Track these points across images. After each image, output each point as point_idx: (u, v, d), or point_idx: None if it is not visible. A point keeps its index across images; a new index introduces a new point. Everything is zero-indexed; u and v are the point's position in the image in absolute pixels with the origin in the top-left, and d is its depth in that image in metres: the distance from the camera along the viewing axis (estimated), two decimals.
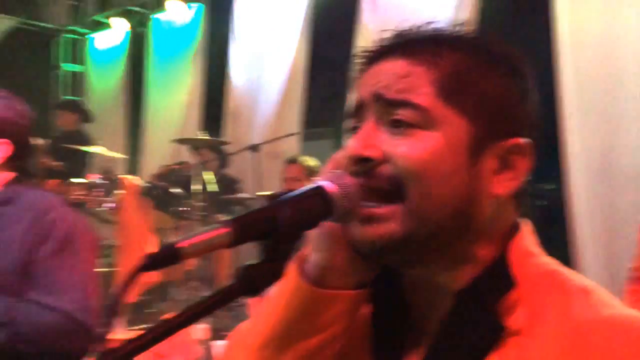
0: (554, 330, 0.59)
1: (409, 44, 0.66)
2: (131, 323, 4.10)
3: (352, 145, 0.64)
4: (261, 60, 5.75)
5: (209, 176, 4.63)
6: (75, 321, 1.44)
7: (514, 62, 0.67)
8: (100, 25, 7.78)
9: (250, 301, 3.36)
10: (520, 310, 0.61)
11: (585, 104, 3.67)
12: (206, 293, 4.50)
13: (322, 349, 0.65)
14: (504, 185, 0.64)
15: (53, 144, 5.82)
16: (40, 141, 5.16)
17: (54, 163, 5.43)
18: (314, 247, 0.66)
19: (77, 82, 8.21)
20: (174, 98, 6.65)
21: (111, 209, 4.25)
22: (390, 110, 0.63)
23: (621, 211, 3.49)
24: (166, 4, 6.40)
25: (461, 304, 0.63)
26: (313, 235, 0.66)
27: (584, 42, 3.71)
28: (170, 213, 4.48)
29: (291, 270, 0.65)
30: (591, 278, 0.66)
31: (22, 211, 1.50)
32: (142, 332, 0.51)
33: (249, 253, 0.58)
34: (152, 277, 4.01)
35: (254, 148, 4.65)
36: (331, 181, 0.63)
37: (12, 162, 1.57)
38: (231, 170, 5.38)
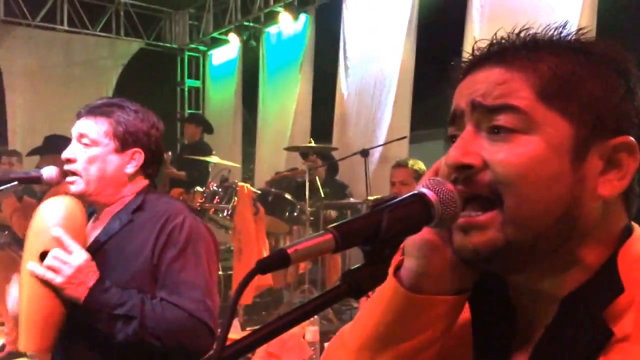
0: None
1: (505, 52, 0.66)
2: (245, 325, 4.30)
3: (451, 153, 0.65)
4: (368, 65, 5.80)
5: (319, 182, 4.73)
6: (196, 319, 1.52)
7: (618, 61, 0.65)
8: (217, 42, 8.27)
9: (361, 305, 3.39)
10: (629, 316, 0.59)
11: None
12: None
13: (418, 352, 0.66)
14: (610, 185, 0.62)
15: (179, 155, 6.28)
16: (166, 152, 5.60)
17: (179, 172, 5.85)
18: (408, 253, 0.68)
19: (197, 96, 8.77)
20: (284, 107, 6.89)
21: (228, 215, 4.48)
22: (490, 117, 0.63)
23: None
24: (280, 17, 6.66)
25: (567, 310, 0.62)
26: (408, 242, 0.67)
27: None
28: (282, 218, 4.63)
29: (389, 275, 0.67)
30: None
31: (151, 217, 1.61)
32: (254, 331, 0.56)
33: (360, 257, 0.61)
34: (266, 280, 4.18)
35: (364, 153, 4.69)
36: (431, 188, 0.64)
37: (145, 170, 1.69)
38: (341, 176, 5.47)
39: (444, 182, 0.65)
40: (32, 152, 4.63)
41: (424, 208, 0.63)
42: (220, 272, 4.52)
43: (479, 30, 4.61)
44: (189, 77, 8.73)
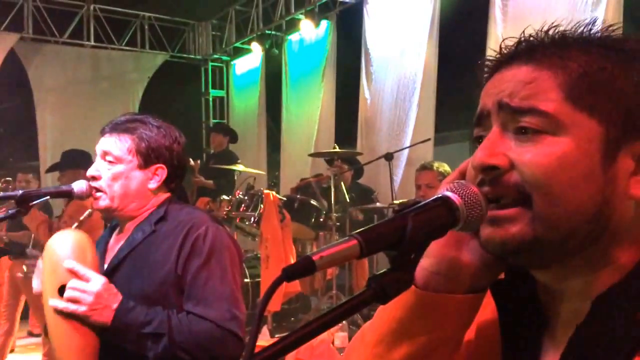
0: None
1: (533, 50, 0.64)
2: (274, 332, 4.31)
3: (478, 154, 0.64)
4: (391, 69, 5.79)
5: (344, 187, 4.73)
6: (224, 330, 1.53)
7: None
8: (240, 52, 8.36)
9: None
10: None
11: None
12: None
13: (434, 348, 0.66)
14: None
15: (206, 164, 6.36)
16: (192, 162, 5.67)
17: (207, 181, 5.93)
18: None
19: (221, 105, 8.87)
20: (308, 113, 6.92)
21: (255, 222, 4.51)
22: (516, 118, 0.62)
23: None
24: (300, 24, 6.70)
25: (600, 309, 0.61)
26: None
27: None
28: (309, 224, 4.64)
29: None
30: None
31: (174, 228, 1.62)
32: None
33: (387, 263, 0.61)
34: (294, 287, 4.18)
35: (388, 157, 4.68)
36: (456, 191, 0.64)
37: (167, 185, 1.71)
38: (366, 180, 5.46)
39: (468, 185, 0.64)
40: (51, 169, 4.74)
41: (449, 212, 0.62)
42: (247, 280, 4.55)
43: (502, 30, 4.56)
44: (213, 87, 8.83)
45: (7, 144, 7.44)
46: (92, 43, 7.69)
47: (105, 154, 1.65)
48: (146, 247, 1.62)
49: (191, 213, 1.69)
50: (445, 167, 3.78)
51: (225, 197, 4.80)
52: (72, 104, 7.52)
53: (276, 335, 3.99)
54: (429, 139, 5.03)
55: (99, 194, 1.64)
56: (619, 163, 0.61)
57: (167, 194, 1.73)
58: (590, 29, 0.65)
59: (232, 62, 8.70)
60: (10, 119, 7.45)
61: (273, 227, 4.27)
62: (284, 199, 4.62)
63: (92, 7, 7.55)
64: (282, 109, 7.34)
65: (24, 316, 4.73)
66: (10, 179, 4.71)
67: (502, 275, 0.70)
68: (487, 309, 0.70)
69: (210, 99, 8.81)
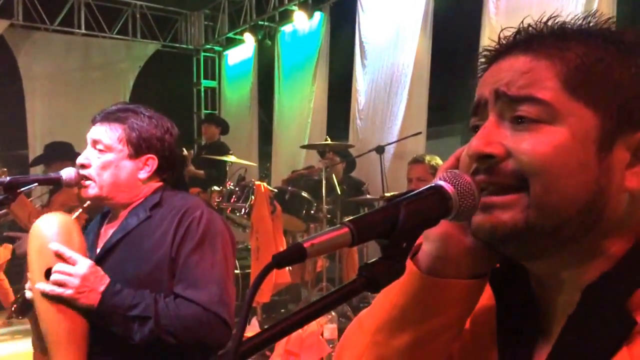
0: None
1: (531, 40, 0.65)
2: (264, 323, 4.31)
3: (473, 143, 0.64)
4: (384, 62, 5.78)
5: (336, 179, 4.73)
6: (212, 314, 1.52)
7: None
8: (233, 42, 8.31)
9: None
10: None
11: None
12: None
13: (435, 336, 0.66)
14: (637, 179, 0.61)
15: (197, 155, 6.34)
16: (185, 152, 5.65)
17: (199, 171, 5.91)
18: (426, 237, 0.68)
19: (213, 96, 8.83)
20: (300, 105, 6.90)
21: (245, 214, 4.50)
22: (513, 107, 0.62)
23: None
24: (293, 16, 6.67)
25: (590, 299, 0.61)
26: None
27: None
28: (300, 216, 4.64)
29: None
30: None
31: (169, 212, 1.63)
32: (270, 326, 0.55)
33: (378, 254, 0.61)
34: (284, 278, 4.18)
35: (379, 150, 4.67)
36: (449, 181, 0.63)
37: (159, 175, 1.71)
38: (357, 173, 5.46)
39: (461, 174, 0.64)
40: (35, 162, 4.70)
41: (442, 201, 0.62)
42: (237, 271, 4.54)
43: (496, 24, 4.56)
44: (205, 77, 8.78)
45: None
46: (83, 31, 7.61)
47: (95, 142, 1.64)
48: (141, 232, 1.62)
49: (185, 198, 1.69)
50: (437, 160, 3.78)
51: (216, 188, 4.78)
52: (62, 93, 7.44)
53: (265, 327, 3.99)
54: (419, 133, 5.04)
55: (87, 182, 1.63)
56: (614, 154, 0.61)
57: (160, 184, 1.72)
58: (589, 22, 0.65)
59: (224, 53, 8.65)
60: None
61: (264, 218, 4.26)
62: (275, 190, 4.61)
63: None
64: (274, 100, 7.31)
65: None
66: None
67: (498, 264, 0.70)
68: (483, 295, 0.69)
69: (202, 89, 8.76)
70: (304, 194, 4.61)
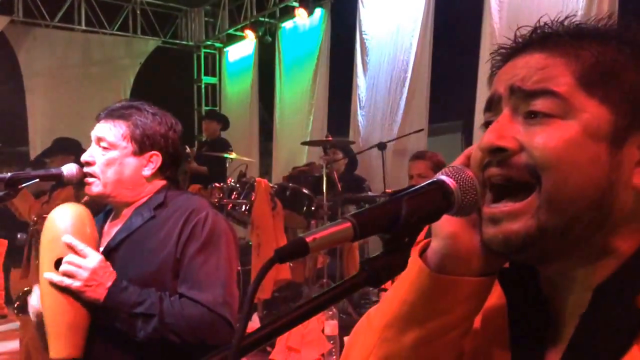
0: None
1: (547, 38, 0.66)
2: (265, 319, 4.32)
3: (486, 136, 0.64)
4: (385, 58, 5.77)
5: (337, 176, 4.72)
6: (216, 314, 1.53)
7: None
8: (233, 39, 8.30)
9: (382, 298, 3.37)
10: None
11: None
12: None
13: (444, 332, 0.66)
14: None
15: (198, 151, 6.33)
16: (187, 149, 5.65)
17: (201, 168, 5.91)
18: (435, 234, 0.67)
19: (213, 93, 8.82)
20: (301, 102, 6.89)
21: (246, 210, 4.49)
22: (527, 102, 0.63)
23: None
24: (294, 12, 6.66)
25: (601, 298, 0.62)
26: (436, 224, 0.67)
27: None
28: (300, 213, 4.63)
29: (414, 255, 0.67)
30: None
31: (174, 212, 1.63)
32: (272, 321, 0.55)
33: (378, 250, 0.61)
34: (285, 274, 4.19)
35: (380, 146, 4.67)
36: (451, 175, 0.63)
37: (163, 172, 1.70)
38: (359, 170, 5.45)
39: (463, 169, 0.64)
40: (40, 156, 4.72)
41: (444, 196, 0.62)
42: (238, 268, 4.54)
43: (497, 20, 4.55)
44: (206, 74, 8.77)
45: None
46: (83, 27, 7.61)
47: (99, 139, 1.64)
48: (145, 231, 1.62)
49: (190, 199, 1.69)
50: (438, 157, 3.77)
51: (217, 184, 4.78)
52: (62, 89, 7.44)
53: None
54: (421, 130, 5.03)
55: (91, 179, 1.63)
56: (625, 152, 0.62)
57: (164, 182, 1.72)
58: (606, 23, 0.66)
59: (225, 49, 8.63)
60: (0, 103, 7.37)
61: (264, 214, 4.26)
62: (276, 186, 4.60)
63: None
64: (275, 97, 7.30)
65: None
66: None
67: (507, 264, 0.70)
68: (493, 294, 0.69)
69: (203, 86, 8.75)
70: (305, 190, 4.61)
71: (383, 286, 0.60)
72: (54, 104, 7.37)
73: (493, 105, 0.67)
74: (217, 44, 8.68)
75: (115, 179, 1.62)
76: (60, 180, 1.65)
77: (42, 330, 1.54)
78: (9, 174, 1.57)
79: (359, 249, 4.89)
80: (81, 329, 1.51)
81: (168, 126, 1.69)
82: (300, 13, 6.62)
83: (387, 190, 4.34)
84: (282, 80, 7.25)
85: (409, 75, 5.46)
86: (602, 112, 0.61)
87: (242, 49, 8.14)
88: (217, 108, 8.69)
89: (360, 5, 6.07)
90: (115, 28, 7.86)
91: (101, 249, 1.65)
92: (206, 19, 8.54)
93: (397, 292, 0.68)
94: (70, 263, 1.49)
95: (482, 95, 4.66)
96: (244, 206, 4.50)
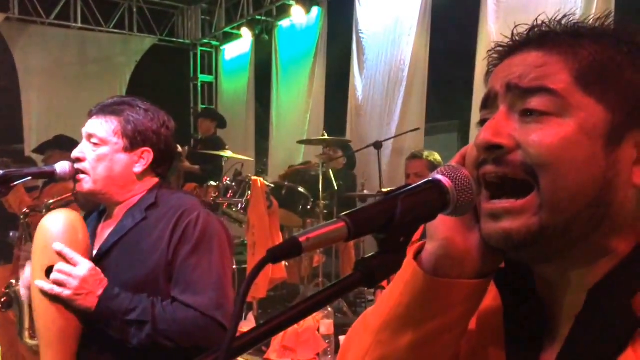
0: None
1: (545, 37, 0.66)
2: (260, 318, 4.30)
3: (482, 133, 0.64)
4: (382, 57, 5.76)
5: (333, 175, 4.72)
6: (209, 318, 1.51)
7: None
8: (230, 37, 8.28)
9: (377, 297, 3.36)
10: None
11: None
12: None
13: (439, 334, 0.65)
14: None
15: (193, 149, 6.31)
16: (180, 147, 5.63)
17: (194, 166, 5.89)
18: (430, 236, 0.67)
19: (210, 91, 8.79)
20: (297, 100, 6.88)
21: (242, 209, 4.48)
22: (524, 99, 0.63)
23: None
24: (291, 10, 6.64)
25: (595, 299, 0.62)
26: (430, 224, 0.66)
27: None
28: (296, 212, 4.63)
29: (409, 257, 0.66)
30: None
31: (166, 213, 1.60)
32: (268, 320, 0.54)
33: (374, 251, 0.60)
34: (280, 274, 4.18)
35: (377, 145, 4.66)
36: (446, 175, 0.63)
37: (154, 169, 1.68)
38: (356, 168, 5.45)
39: (459, 169, 0.64)
40: (39, 148, 4.73)
41: (439, 195, 0.61)
42: (234, 266, 4.53)
43: (494, 20, 4.55)
44: (202, 72, 8.74)
45: None
46: (79, 25, 7.57)
47: (90, 136, 1.62)
48: (137, 233, 1.60)
49: (182, 198, 1.67)
50: (435, 156, 3.76)
51: (212, 183, 4.76)
52: (58, 87, 7.40)
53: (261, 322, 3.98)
54: (418, 129, 5.02)
55: (82, 176, 1.61)
56: (621, 150, 0.62)
57: (155, 180, 1.69)
58: (604, 22, 0.67)
59: (221, 47, 8.61)
60: None
61: (260, 213, 4.25)
62: (272, 185, 4.59)
63: None
64: (272, 95, 7.29)
65: None
66: None
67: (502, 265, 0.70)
68: (488, 295, 0.69)
69: (199, 84, 8.73)
70: (301, 189, 4.60)
71: (382, 284, 0.60)
72: (50, 101, 7.34)
73: (489, 103, 0.67)
74: (214, 42, 8.66)
75: (106, 175, 1.60)
76: (53, 178, 1.64)
77: (22, 310, 1.54)
78: (1, 172, 1.56)
79: (355, 248, 4.88)
80: (72, 338, 1.50)
81: (160, 123, 1.67)
82: (297, 11, 6.61)
83: (382, 190, 4.32)
84: (279, 79, 7.23)
85: (406, 74, 5.45)
86: (599, 110, 0.61)
87: (239, 47, 8.12)
88: (214, 106, 8.66)
89: (357, 3, 6.06)
90: (112, 26, 7.83)
91: (94, 251, 1.63)
92: (203, 17, 8.52)
93: (393, 294, 0.68)
94: (60, 271, 1.47)
95: (478, 95, 4.66)
96: (239, 205, 4.49)
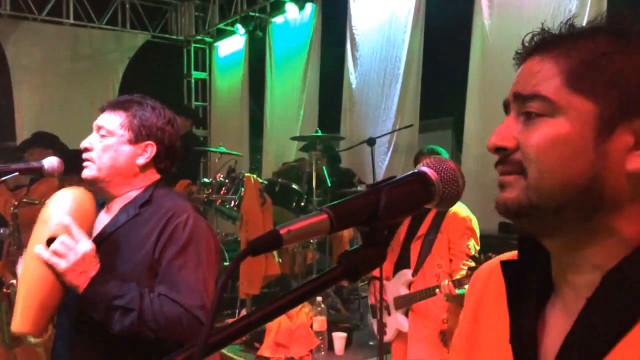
0: None
1: (544, 43, 0.72)
2: None
3: (491, 138, 0.73)
4: (376, 54, 5.74)
5: (326, 171, 4.71)
6: (192, 317, 1.54)
7: None
8: (223, 33, 8.24)
9: (371, 290, 3.36)
10: None
11: None
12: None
13: None
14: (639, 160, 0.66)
15: None
16: None
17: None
18: None
19: (203, 88, 8.76)
20: (291, 97, 6.86)
21: (235, 206, 4.47)
22: (525, 104, 0.70)
23: None
24: (285, 7, 6.62)
25: (609, 282, 0.66)
26: None
27: None
28: (289, 208, 4.62)
29: None
30: None
31: (157, 212, 1.65)
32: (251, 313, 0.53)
33: None
34: (274, 270, 4.17)
35: (370, 142, 4.65)
36: (432, 167, 0.62)
37: (157, 164, 1.75)
38: (349, 164, 5.44)
39: (445, 161, 0.64)
40: (19, 147, 4.70)
41: (424, 187, 0.61)
42: (227, 263, 4.52)
43: (488, 17, 4.54)
44: (196, 68, 8.70)
45: None
46: (72, 21, 7.51)
47: (99, 128, 1.71)
48: (128, 229, 1.65)
49: (175, 200, 1.72)
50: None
51: (206, 179, 4.75)
52: (50, 83, 7.34)
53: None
54: (411, 125, 5.02)
55: (87, 163, 1.69)
56: (614, 139, 0.66)
57: (156, 176, 1.76)
58: (601, 19, 0.72)
59: (215, 44, 8.57)
60: None
61: (253, 210, 4.24)
62: (265, 182, 4.58)
63: None
64: (266, 92, 7.27)
65: None
66: None
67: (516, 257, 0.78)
68: (492, 290, 0.74)
69: (193, 80, 8.69)
70: (294, 186, 4.59)
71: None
72: (42, 98, 7.28)
73: (506, 110, 0.75)
74: (207, 39, 8.62)
75: (110, 165, 1.68)
76: (40, 174, 1.64)
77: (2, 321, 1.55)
78: None
79: (349, 244, 4.88)
80: (49, 311, 1.52)
81: (166, 120, 1.76)
82: (291, 8, 6.59)
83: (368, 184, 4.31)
84: (273, 76, 7.21)
85: (400, 70, 5.44)
86: (588, 106, 0.66)
87: (233, 44, 8.09)
88: (207, 103, 8.63)
89: (350, 0, 6.04)
90: (104, 22, 7.77)
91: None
92: (196, 13, 8.47)
93: None
94: (63, 244, 1.50)
95: (472, 91, 4.66)
96: (232, 202, 4.48)
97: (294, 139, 5.64)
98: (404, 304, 3.04)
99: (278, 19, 7.18)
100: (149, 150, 1.71)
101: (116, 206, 1.72)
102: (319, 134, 4.79)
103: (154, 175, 1.75)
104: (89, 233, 1.57)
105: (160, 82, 7.63)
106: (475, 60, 4.61)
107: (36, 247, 1.50)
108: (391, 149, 5.42)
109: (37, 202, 2.46)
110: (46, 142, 4.10)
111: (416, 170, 0.63)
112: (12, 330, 1.50)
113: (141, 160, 1.71)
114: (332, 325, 3.64)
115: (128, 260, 1.61)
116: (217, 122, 8.43)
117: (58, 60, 7.47)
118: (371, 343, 3.67)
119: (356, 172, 5.27)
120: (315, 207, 4.43)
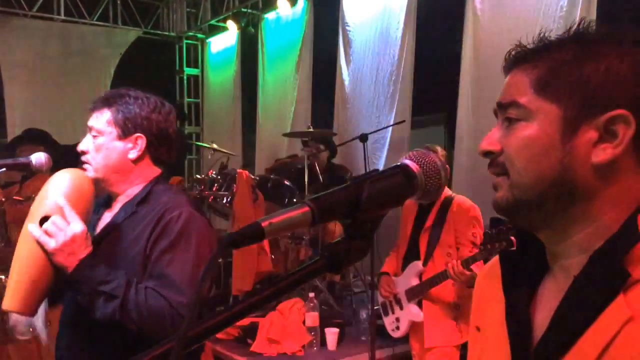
0: None
1: (518, 56, 0.80)
2: None
3: (482, 142, 0.81)
4: (369, 50, 5.74)
5: (319, 168, 4.70)
6: (176, 312, 1.53)
7: (622, 44, 0.74)
8: (216, 29, 8.21)
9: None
10: None
11: None
12: (317, 282, 4.54)
13: None
14: (603, 153, 0.73)
15: None
16: None
17: None
18: None
19: (196, 84, 8.73)
20: (284, 93, 6.84)
21: (227, 202, 4.46)
22: (506, 111, 0.80)
23: None
24: (277, 3, 6.60)
25: (593, 261, 0.73)
26: None
27: None
28: (282, 204, 4.61)
29: None
30: None
31: (152, 209, 1.65)
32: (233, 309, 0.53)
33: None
34: (266, 266, 4.17)
35: (362, 138, 4.65)
36: (414, 160, 0.62)
37: (152, 155, 1.74)
38: (342, 161, 5.43)
39: (427, 154, 0.64)
40: (9, 145, 4.67)
41: (407, 180, 0.61)
42: (219, 260, 4.51)
43: (480, 15, 4.54)
44: (188, 65, 8.67)
45: None
46: (63, 17, 7.46)
47: (90, 129, 1.72)
48: (125, 227, 1.66)
49: (172, 196, 1.71)
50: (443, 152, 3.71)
51: (198, 176, 4.74)
52: (41, 80, 7.29)
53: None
54: (403, 121, 5.02)
55: (86, 166, 1.70)
56: (579, 136, 0.74)
57: (156, 170, 1.76)
58: (571, 29, 0.78)
59: (207, 40, 8.54)
60: None
61: (246, 206, 4.23)
62: (257, 178, 4.57)
63: None
64: (258, 88, 7.25)
65: None
66: None
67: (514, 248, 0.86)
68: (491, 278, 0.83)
69: (185, 77, 8.66)
70: (287, 182, 4.58)
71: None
72: (33, 95, 7.23)
73: (496, 118, 0.84)
74: (199, 35, 8.59)
75: (104, 164, 1.69)
76: (28, 169, 1.63)
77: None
78: None
79: None
80: (40, 291, 1.52)
81: (150, 108, 1.74)
82: (283, 4, 6.58)
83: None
84: (265, 72, 7.19)
85: (392, 67, 5.44)
86: (553, 109, 0.75)
87: (225, 40, 8.07)
88: (200, 100, 8.60)
89: None
90: (95, 18, 7.72)
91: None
92: (188, 9, 8.44)
93: None
94: (54, 223, 1.50)
95: (464, 88, 4.66)
96: (225, 198, 4.47)
97: (286, 135, 5.63)
98: (418, 293, 3.10)
99: (270, 15, 7.16)
100: (139, 142, 1.71)
101: (118, 205, 1.73)
102: (313, 129, 4.78)
103: (152, 169, 1.75)
104: (85, 215, 1.58)
105: (152, 78, 7.59)
106: (467, 56, 4.62)
107: (29, 225, 1.51)
108: (384, 145, 5.42)
109: (23, 200, 2.44)
110: (37, 138, 4.08)
111: (399, 163, 0.63)
112: (2, 308, 1.51)
113: (133, 154, 1.70)
114: (325, 321, 3.64)
115: (124, 257, 1.61)
116: (209, 119, 8.40)
117: (49, 56, 7.42)
118: (363, 338, 3.68)
119: (349, 168, 5.27)
120: None
